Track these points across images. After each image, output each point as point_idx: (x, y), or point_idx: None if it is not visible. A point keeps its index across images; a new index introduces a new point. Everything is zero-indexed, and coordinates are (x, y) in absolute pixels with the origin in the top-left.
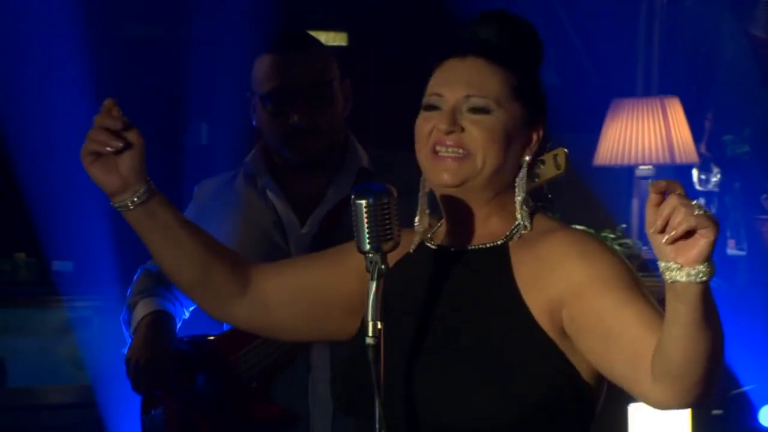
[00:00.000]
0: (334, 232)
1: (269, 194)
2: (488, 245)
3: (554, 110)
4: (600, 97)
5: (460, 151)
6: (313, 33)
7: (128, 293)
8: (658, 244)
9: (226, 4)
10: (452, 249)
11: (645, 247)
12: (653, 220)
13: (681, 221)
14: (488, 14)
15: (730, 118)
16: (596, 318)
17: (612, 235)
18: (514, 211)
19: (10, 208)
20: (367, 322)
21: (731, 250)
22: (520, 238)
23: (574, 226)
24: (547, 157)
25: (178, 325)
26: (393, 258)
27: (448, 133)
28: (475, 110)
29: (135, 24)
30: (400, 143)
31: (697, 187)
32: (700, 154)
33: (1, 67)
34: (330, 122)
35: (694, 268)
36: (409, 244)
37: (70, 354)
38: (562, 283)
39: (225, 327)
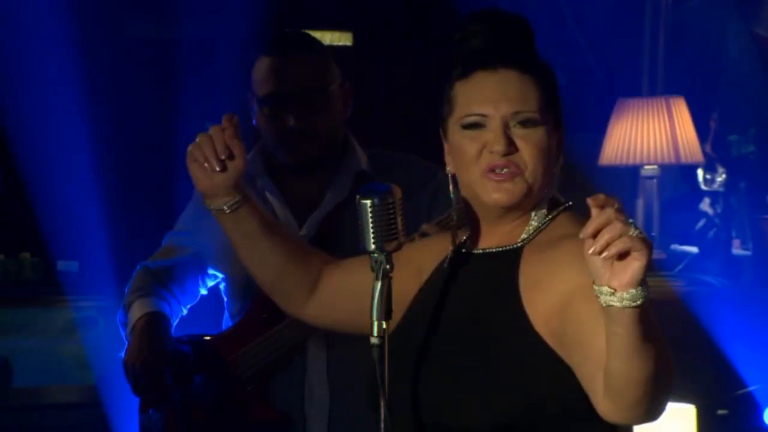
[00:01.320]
0: (332, 234)
1: (268, 196)
2: (503, 248)
3: None
4: (605, 96)
5: (514, 170)
6: (318, 33)
7: (126, 291)
8: (594, 266)
9: (229, 4)
10: (472, 252)
11: None
12: (590, 243)
13: (615, 242)
14: (480, 17)
15: (736, 118)
16: (577, 325)
17: None
18: (542, 214)
19: (15, 208)
20: (372, 321)
21: (736, 250)
22: (538, 241)
23: None
24: None
25: (176, 322)
26: (432, 265)
27: (506, 154)
28: (526, 123)
29: (137, 25)
30: (405, 143)
31: (703, 187)
32: (705, 154)
33: (4, 68)
34: (326, 126)
35: (627, 293)
36: (446, 248)
37: (74, 354)
38: (559, 292)
39: (224, 326)
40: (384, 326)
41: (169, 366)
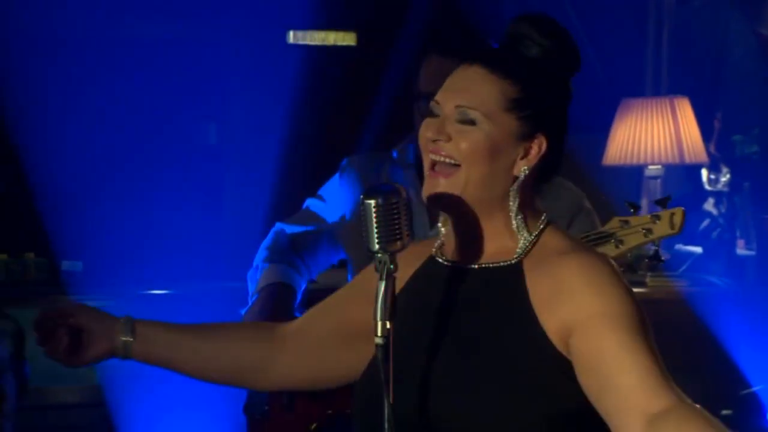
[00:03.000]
0: None
1: (410, 189)
2: (502, 263)
3: None
4: (609, 96)
5: (450, 160)
6: (321, 33)
7: (262, 246)
8: None
9: (234, 4)
10: (467, 266)
11: (653, 248)
12: None
13: None
14: (527, 17)
15: (740, 118)
16: (597, 357)
17: None
18: (522, 226)
19: (19, 208)
20: (376, 321)
21: (740, 250)
22: (534, 255)
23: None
24: (664, 215)
25: (303, 288)
26: (407, 273)
27: (435, 141)
28: (462, 121)
29: (138, 22)
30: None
31: (707, 187)
32: (709, 154)
33: (7, 67)
34: None
35: None
36: (420, 256)
37: None
38: (574, 312)
39: None
40: (388, 326)
41: None
